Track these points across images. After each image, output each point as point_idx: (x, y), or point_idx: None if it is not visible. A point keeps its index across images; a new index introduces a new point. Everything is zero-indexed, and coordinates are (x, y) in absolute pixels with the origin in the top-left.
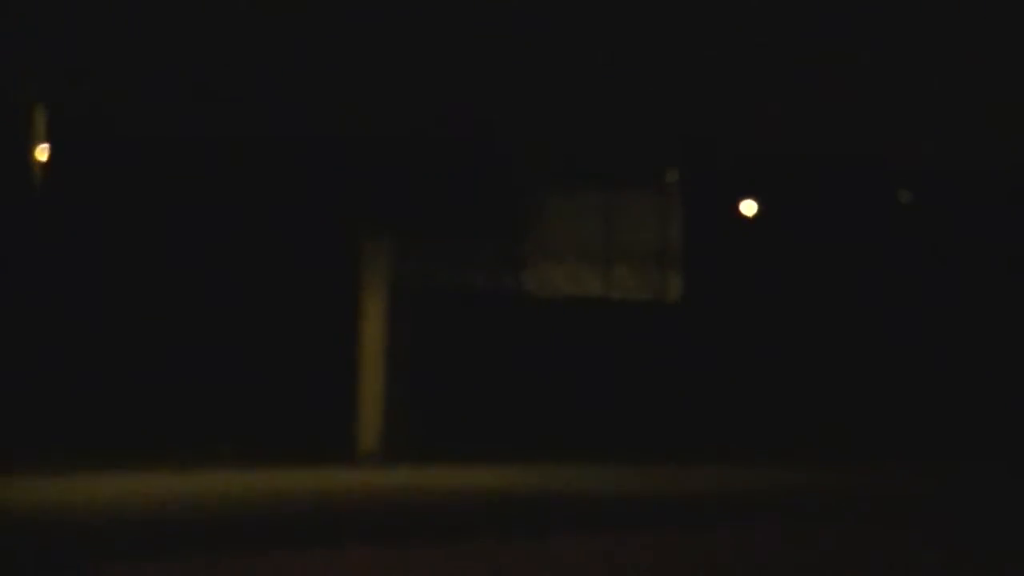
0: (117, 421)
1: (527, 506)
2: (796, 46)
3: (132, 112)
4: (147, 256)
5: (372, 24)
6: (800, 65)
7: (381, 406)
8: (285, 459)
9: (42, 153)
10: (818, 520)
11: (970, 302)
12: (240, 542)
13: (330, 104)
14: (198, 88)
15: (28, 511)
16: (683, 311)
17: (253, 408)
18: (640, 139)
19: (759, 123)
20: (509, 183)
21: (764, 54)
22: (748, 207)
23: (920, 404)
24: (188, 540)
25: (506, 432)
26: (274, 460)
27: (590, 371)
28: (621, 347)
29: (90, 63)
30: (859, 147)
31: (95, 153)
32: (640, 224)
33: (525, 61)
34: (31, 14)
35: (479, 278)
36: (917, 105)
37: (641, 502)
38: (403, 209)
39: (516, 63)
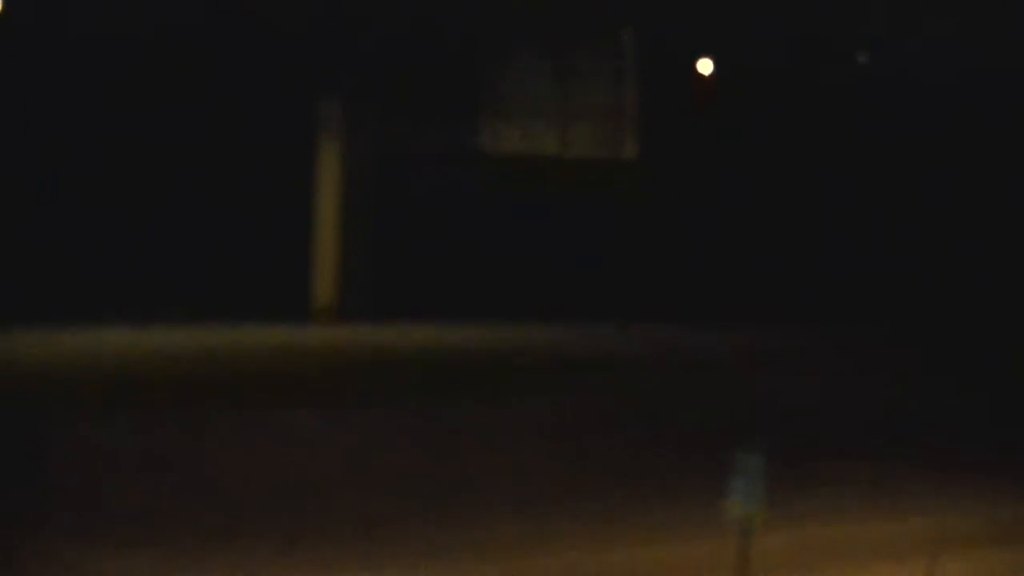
0: (72, 281)
1: (478, 365)
2: None
3: None
4: (103, 120)
5: None
6: None
7: (336, 264)
8: (239, 318)
9: None
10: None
11: (931, 170)
12: (192, 398)
13: None
14: None
15: None
16: (639, 170)
17: (207, 268)
18: None
19: None
20: (462, 42)
21: None
22: (704, 66)
23: (860, 270)
24: (139, 396)
25: (461, 291)
26: (228, 318)
27: (545, 230)
28: (577, 206)
29: None
30: (817, 9)
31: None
32: (595, 83)
33: None
34: None
35: (433, 138)
36: None
37: (586, 361)
38: (356, 69)
39: None
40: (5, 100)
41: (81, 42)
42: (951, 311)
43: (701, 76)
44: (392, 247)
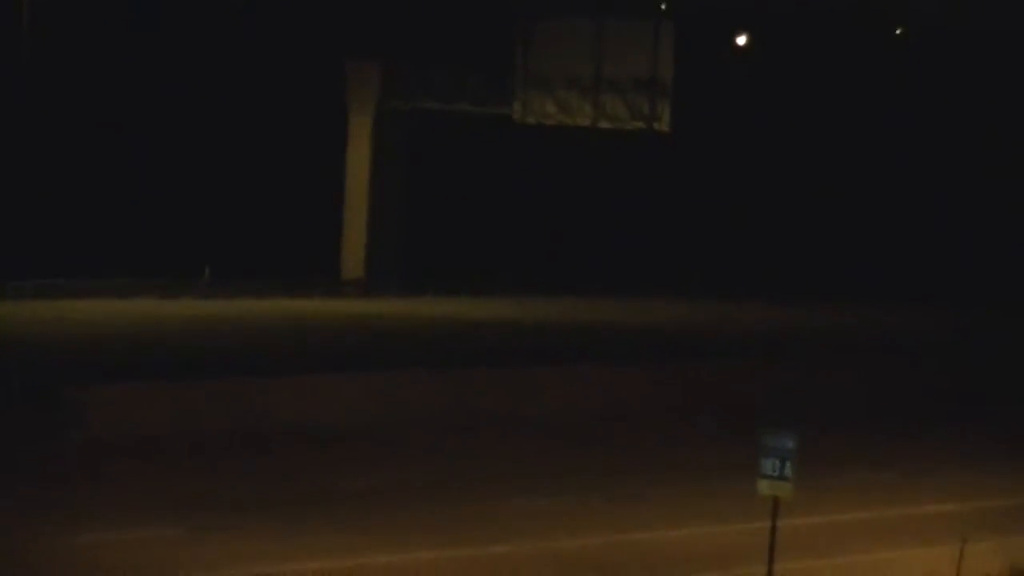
0: (103, 248)
1: (509, 335)
2: None
3: None
4: (137, 87)
5: None
6: None
7: (365, 233)
8: (268, 287)
9: None
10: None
11: (961, 144)
12: (221, 366)
13: None
14: None
15: (16, 334)
16: (673, 141)
17: (237, 236)
18: None
19: None
20: (497, 8)
21: None
22: (740, 37)
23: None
24: (170, 364)
25: (493, 262)
26: (256, 288)
27: (578, 200)
28: (610, 176)
29: None
30: None
31: None
32: (630, 53)
33: None
34: None
35: (466, 106)
36: None
37: (621, 335)
38: (391, 32)
39: None
40: (46, 65)
41: (117, 12)
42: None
43: (737, 47)
44: (423, 219)
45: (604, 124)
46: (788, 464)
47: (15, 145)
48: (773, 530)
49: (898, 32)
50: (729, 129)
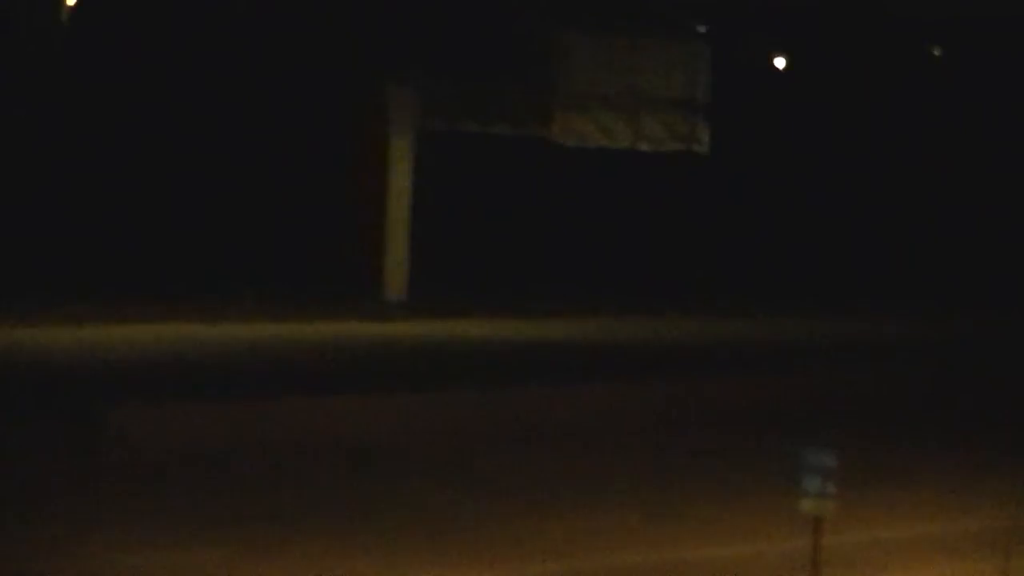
0: (143, 269)
1: (550, 356)
2: None
3: None
4: (174, 103)
5: None
6: None
7: (407, 256)
8: (310, 309)
9: None
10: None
11: (1005, 160)
12: (261, 389)
13: None
14: None
15: (56, 355)
16: (712, 163)
17: (278, 258)
18: None
19: None
20: (534, 28)
21: None
22: (778, 60)
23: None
24: (210, 386)
25: (532, 284)
26: (298, 310)
27: (619, 222)
28: (650, 198)
29: None
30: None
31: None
32: (668, 74)
33: None
34: None
35: (505, 128)
36: None
37: (671, 352)
38: (429, 55)
39: None
40: (61, 80)
41: (147, 29)
42: None
43: (774, 69)
44: (464, 240)
45: (643, 146)
46: (830, 481)
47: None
48: (816, 548)
49: (936, 53)
50: (767, 150)
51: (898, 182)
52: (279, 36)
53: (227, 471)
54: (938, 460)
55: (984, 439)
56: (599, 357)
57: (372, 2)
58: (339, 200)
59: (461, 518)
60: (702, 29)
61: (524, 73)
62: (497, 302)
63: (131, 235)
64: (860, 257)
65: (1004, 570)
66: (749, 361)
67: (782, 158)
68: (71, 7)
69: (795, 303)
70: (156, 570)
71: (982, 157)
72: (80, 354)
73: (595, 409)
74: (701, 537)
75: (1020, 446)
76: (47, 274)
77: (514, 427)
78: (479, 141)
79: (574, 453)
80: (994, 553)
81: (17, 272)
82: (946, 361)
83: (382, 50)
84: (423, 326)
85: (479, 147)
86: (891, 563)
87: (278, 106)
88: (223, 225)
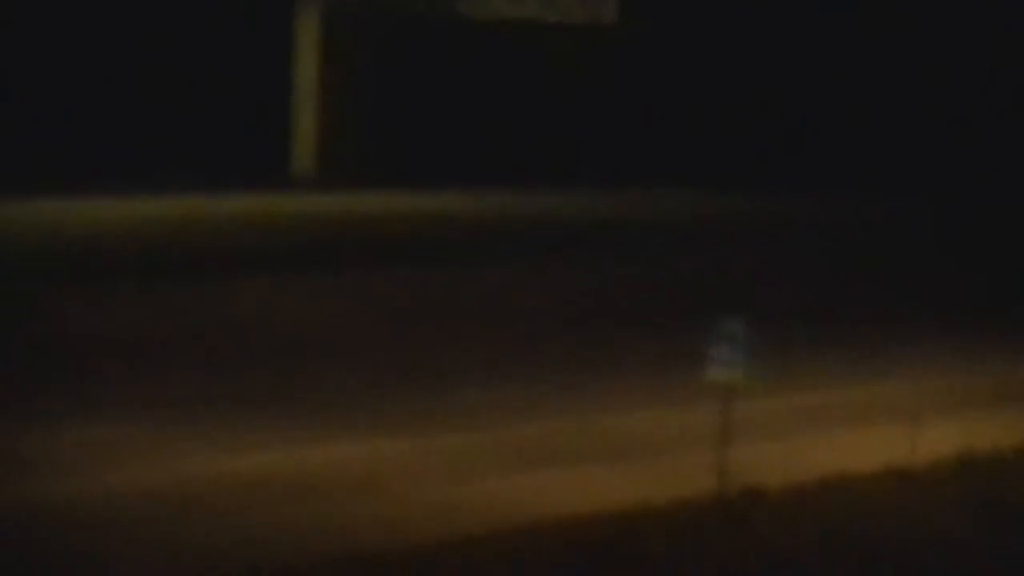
0: (55, 147)
1: (460, 230)
2: None
3: None
4: None
5: None
6: None
7: (316, 129)
8: (220, 183)
9: None
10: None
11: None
12: (174, 268)
13: None
14: None
15: None
16: (618, 34)
17: (189, 133)
18: None
19: None
20: None
21: None
22: None
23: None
24: (124, 266)
25: (443, 157)
26: (209, 184)
27: (526, 95)
28: (558, 69)
29: None
30: None
31: None
32: None
33: None
34: None
35: (415, 3)
36: None
37: (570, 228)
38: None
39: None
40: None
41: None
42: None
43: None
44: (372, 113)
45: (551, 16)
46: (740, 350)
47: None
48: (725, 415)
49: None
50: (674, 22)
51: (806, 58)
52: None
53: (132, 354)
54: (848, 329)
55: (894, 309)
56: (504, 233)
57: None
58: (245, 75)
59: (361, 394)
60: None
61: None
62: (409, 176)
63: (35, 111)
64: (760, 135)
65: (913, 436)
66: (660, 238)
67: (691, 30)
68: None
69: (691, 180)
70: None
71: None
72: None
73: (500, 287)
74: (606, 407)
75: (930, 315)
76: None
77: (417, 306)
78: (386, 14)
79: (478, 332)
80: (903, 419)
81: None
82: (855, 236)
83: None
84: (331, 201)
85: (386, 20)
86: (800, 430)
87: None
88: (126, 101)
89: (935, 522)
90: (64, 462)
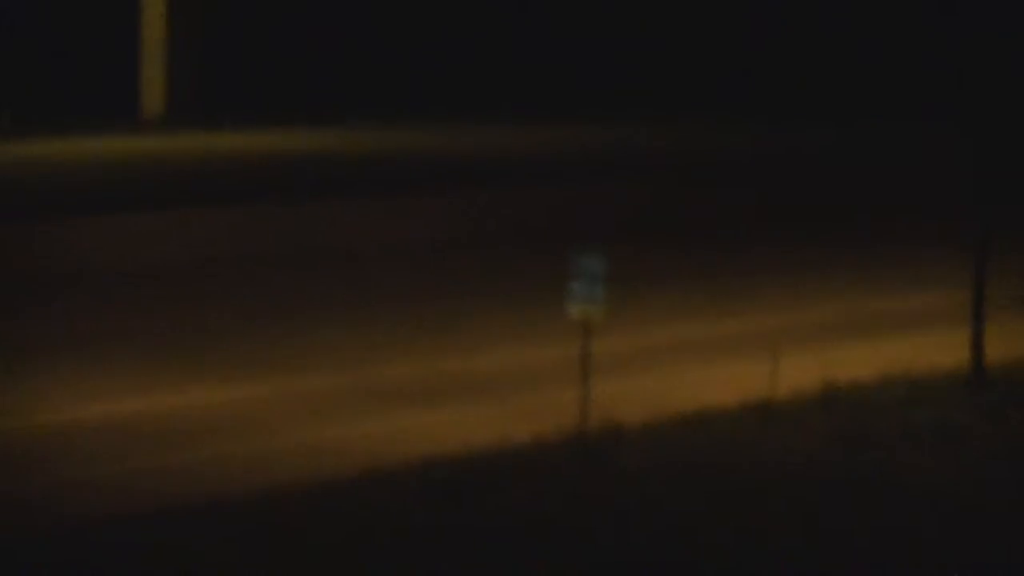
0: None
1: (308, 168)
2: None
3: None
4: None
5: None
6: None
7: (164, 70)
8: (67, 126)
9: None
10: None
11: None
12: (22, 212)
13: None
14: None
15: None
16: None
17: (34, 76)
18: None
19: None
20: None
21: None
22: None
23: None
24: None
25: (294, 95)
26: (56, 128)
27: (362, 37)
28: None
29: None
30: None
31: None
32: None
33: None
34: None
35: None
36: None
37: (433, 163)
38: None
39: None
40: None
41: None
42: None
43: None
44: (221, 52)
45: None
46: (598, 286)
47: None
48: (585, 352)
49: None
50: None
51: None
52: None
53: None
54: (712, 264)
55: (755, 245)
56: (364, 169)
57: None
58: (95, 18)
59: (228, 338)
60: None
61: None
62: (259, 115)
63: None
64: (622, 68)
65: (773, 370)
66: (520, 172)
67: None
68: None
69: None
70: None
71: None
72: None
73: (365, 226)
74: (470, 348)
75: (791, 251)
76: None
77: (280, 246)
78: None
79: (343, 272)
80: (764, 353)
81: None
82: (720, 171)
83: None
84: (179, 141)
85: None
86: (663, 365)
87: None
88: None
89: (794, 455)
90: None
